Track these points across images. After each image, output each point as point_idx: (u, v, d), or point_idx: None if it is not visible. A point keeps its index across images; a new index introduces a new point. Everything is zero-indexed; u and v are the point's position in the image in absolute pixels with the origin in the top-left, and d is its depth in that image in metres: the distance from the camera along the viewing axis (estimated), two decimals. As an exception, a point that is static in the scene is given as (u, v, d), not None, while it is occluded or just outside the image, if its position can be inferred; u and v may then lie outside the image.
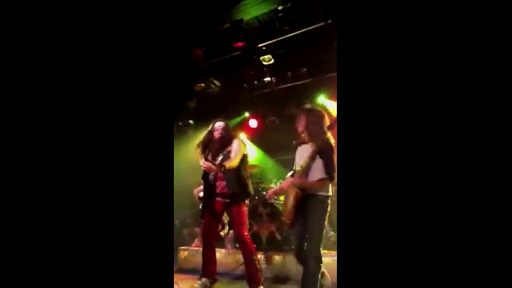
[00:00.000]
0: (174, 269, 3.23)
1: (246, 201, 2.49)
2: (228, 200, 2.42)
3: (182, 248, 3.58)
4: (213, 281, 2.48)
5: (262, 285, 2.33)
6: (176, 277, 2.81)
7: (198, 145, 2.57)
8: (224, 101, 4.94)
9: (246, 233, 2.41)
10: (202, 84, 4.72)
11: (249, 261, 2.36)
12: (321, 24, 3.56)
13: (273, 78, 4.61)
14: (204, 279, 2.43)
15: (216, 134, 2.50)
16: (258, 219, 3.43)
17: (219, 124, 2.56)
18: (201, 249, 2.61)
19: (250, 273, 2.35)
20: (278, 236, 3.31)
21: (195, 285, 2.42)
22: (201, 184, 2.61)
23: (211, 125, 2.59)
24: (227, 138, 2.50)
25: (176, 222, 4.71)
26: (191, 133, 5.10)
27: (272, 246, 3.24)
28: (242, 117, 5.31)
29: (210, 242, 2.50)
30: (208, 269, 2.46)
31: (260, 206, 3.49)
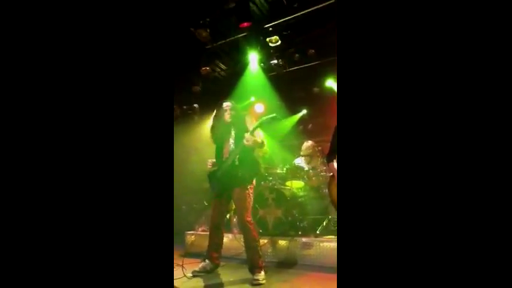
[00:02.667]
0: (182, 253, 3.26)
1: (251, 186, 2.45)
2: (238, 175, 2.37)
3: (189, 232, 3.61)
4: (215, 265, 2.48)
5: (264, 270, 2.30)
6: (183, 261, 2.84)
7: (211, 130, 2.55)
8: (230, 85, 4.83)
9: (249, 218, 2.38)
10: (208, 68, 4.62)
11: (251, 246, 2.34)
12: (331, 2, 3.39)
13: (280, 60, 4.47)
14: (205, 262, 2.44)
15: (226, 116, 2.46)
16: (264, 204, 3.40)
17: (226, 104, 2.51)
18: (207, 233, 2.60)
19: (251, 258, 2.33)
20: (284, 221, 3.29)
21: (196, 268, 2.43)
22: (209, 160, 2.60)
23: (217, 108, 2.53)
24: (238, 117, 2.46)
25: (183, 207, 4.74)
26: (196, 118, 5.05)
27: (277, 231, 3.22)
28: (248, 102, 5.21)
29: (218, 225, 2.48)
30: (211, 253, 2.46)
31: (266, 191, 3.46)
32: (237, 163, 2.36)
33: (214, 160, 2.57)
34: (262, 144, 2.38)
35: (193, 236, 3.54)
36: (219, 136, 2.54)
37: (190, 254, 3.21)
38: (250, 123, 2.41)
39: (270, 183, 3.61)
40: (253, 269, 2.29)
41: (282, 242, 3.00)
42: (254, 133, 2.32)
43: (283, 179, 3.72)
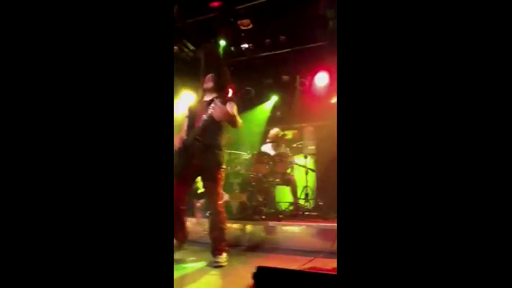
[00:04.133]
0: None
1: (223, 168, 2.37)
2: (204, 166, 2.28)
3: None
4: (182, 244, 2.45)
5: (226, 252, 2.30)
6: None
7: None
8: (197, 66, 4.67)
9: (220, 202, 2.33)
10: (175, 48, 4.41)
11: (217, 228, 2.30)
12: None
13: (250, 45, 4.40)
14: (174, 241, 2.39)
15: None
16: (229, 189, 3.40)
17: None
18: (198, 220, 2.52)
19: (216, 240, 2.30)
20: (249, 206, 3.31)
21: None
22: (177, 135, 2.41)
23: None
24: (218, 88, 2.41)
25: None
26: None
27: (241, 216, 3.25)
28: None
29: (180, 207, 2.36)
30: (177, 231, 2.39)
31: (231, 176, 3.45)
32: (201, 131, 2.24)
33: (183, 135, 2.41)
34: (233, 118, 2.23)
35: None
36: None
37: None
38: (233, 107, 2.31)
39: (236, 168, 3.60)
40: (215, 251, 2.27)
41: (248, 227, 3.03)
42: (227, 104, 2.23)
43: (249, 164, 3.73)
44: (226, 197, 3.40)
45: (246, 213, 3.28)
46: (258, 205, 3.30)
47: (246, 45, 4.37)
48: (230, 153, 3.93)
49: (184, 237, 2.47)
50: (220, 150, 2.36)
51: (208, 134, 2.26)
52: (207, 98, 2.43)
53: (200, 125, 2.28)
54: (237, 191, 3.40)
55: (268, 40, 4.30)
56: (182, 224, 2.42)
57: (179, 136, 2.40)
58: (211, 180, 2.32)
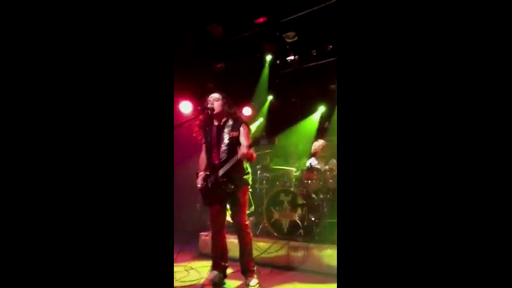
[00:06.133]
0: (195, 255, 3.22)
1: (248, 187, 2.40)
2: (232, 186, 2.26)
3: (203, 233, 3.55)
4: (223, 274, 2.38)
5: (256, 274, 2.30)
6: (197, 263, 2.80)
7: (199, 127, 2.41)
8: (245, 82, 4.71)
9: (247, 222, 2.33)
10: (221, 64, 4.50)
11: (245, 250, 2.30)
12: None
13: (296, 56, 4.31)
14: (213, 274, 2.33)
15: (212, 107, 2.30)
16: (280, 207, 3.30)
17: (212, 96, 2.35)
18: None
19: (245, 261, 2.30)
20: (300, 226, 3.18)
21: (204, 280, 2.31)
22: (200, 173, 2.43)
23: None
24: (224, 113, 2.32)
25: (197, 205, 4.70)
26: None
27: (293, 235, 3.13)
28: (268, 102, 5.04)
29: (219, 231, 2.37)
30: (217, 261, 2.35)
31: (282, 193, 3.35)
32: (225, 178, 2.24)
33: (203, 173, 2.41)
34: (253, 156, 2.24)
35: (207, 237, 3.48)
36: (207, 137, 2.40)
37: (203, 255, 3.16)
38: (247, 130, 2.30)
39: (285, 185, 3.50)
40: (246, 272, 2.29)
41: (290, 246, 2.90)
42: (241, 126, 2.26)
43: (299, 180, 3.61)
44: (276, 215, 3.32)
45: (297, 234, 3.15)
46: (310, 225, 3.15)
47: (291, 57, 4.29)
48: (278, 170, 3.85)
49: (225, 267, 2.40)
50: (243, 175, 2.37)
51: (230, 168, 2.23)
52: (216, 120, 2.35)
53: (221, 164, 2.25)
54: (287, 209, 3.29)
55: (314, 50, 4.18)
56: (222, 253, 2.38)
57: (202, 175, 2.40)
58: (236, 203, 2.32)
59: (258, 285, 2.26)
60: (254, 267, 2.33)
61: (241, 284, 2.29)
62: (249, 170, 2.54)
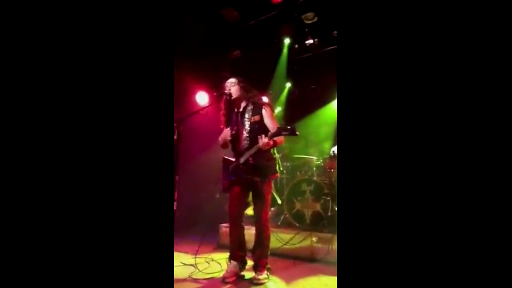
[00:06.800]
0: (215, 246, 3.17)
1: (273, 177, 2.26)
2: (257, 179, 2.15)
3: (223, 225, 3.50)
4: (243, 265, 2.29)
5: (267, 270, 2.22)
6: (218, 255, 2.75)
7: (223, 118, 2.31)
8: (262, 69, 4.54)
9: (267, 215, 2.23)
10: (238, 52, 4.35)
11: (262, 245, 2.21)
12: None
13: (315, 40, 4.09)
14: (231, 265, 2.24)
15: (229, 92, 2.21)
16: (302, 197, 3.18)
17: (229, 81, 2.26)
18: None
19: (259, 256, 2.21)
20: (323, 216, 3.05)
21: (224, 273, 2.23)
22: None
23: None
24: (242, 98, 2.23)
25: (217, 195, 4.65)
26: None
27: (316, 226, 3.00)
28: (286, 89, 4.85)
29: (237, 219, 2.27)
30: (236, 252, 2.26)
31: (304, 183, 3.22)
32: (251, 161, 2.13)
33: (228, 135, 2.30)
34: (276, 143, 2.10)
35: (227, 229, 3.42)
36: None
37: (222, 246, 3.11)
38: (271, 114, 2.19)
39: (307, 175, 3.36)
40: (257, 267, 2.20)
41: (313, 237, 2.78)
42: (262, 110, 2.15)
43: (322, 169, 3.46)
44: (298, 205, 3.20)
45: (321, 225, 3.03)
46: (334, 216, 3.01)
47: (310, 41, 4.07)
48: (300, 159, 3.71)
49: (244, 257, 2.32)
50: (268, 161, 2.22)
51: (254, 156, 2.12)
52: (236, 107, 2.26)
53: (243, 152, 2.16)
54: (310, 199, 3.16)
55: (335, 32, 3.94)
56: (241, 243, 2.29)
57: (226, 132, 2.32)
58: (260, 197, 2.20)
59: (266, 279, 2.17)
60: (267, 264, 2.24)
61: (254, 276, 2.21)
62: (276, 155, 2.35)
